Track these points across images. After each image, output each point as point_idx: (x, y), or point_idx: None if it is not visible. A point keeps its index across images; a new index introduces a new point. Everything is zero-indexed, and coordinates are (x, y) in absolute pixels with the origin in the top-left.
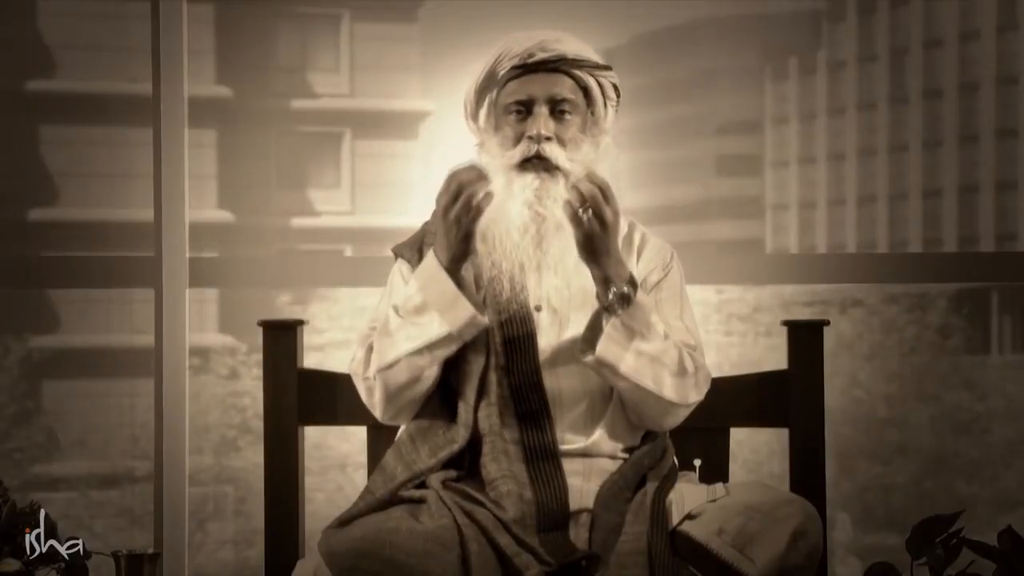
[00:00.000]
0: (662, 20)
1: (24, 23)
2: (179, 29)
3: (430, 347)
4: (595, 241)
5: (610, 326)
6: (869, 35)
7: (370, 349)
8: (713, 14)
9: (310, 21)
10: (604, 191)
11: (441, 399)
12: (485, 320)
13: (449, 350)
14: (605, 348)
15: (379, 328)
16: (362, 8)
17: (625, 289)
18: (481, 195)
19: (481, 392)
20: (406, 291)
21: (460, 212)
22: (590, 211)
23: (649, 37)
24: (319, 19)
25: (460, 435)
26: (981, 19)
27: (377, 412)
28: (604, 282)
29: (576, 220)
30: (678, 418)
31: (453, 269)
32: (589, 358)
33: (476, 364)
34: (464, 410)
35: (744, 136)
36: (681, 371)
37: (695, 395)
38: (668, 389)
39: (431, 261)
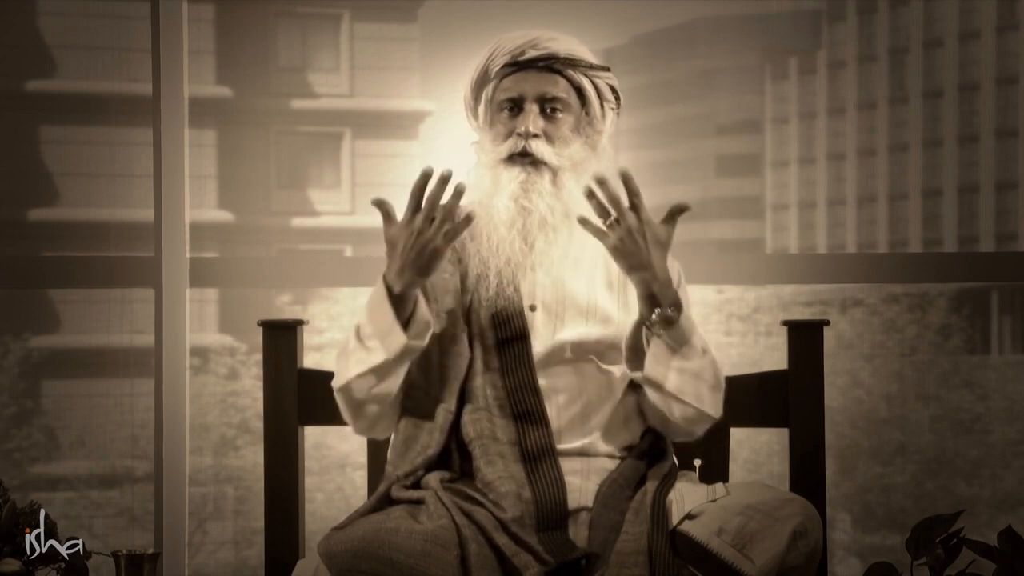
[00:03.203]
0: (662, 20)
1: (24, 23)
2: (179, 29)
3: (374, 371)
4: (627, 251)
5: (654, 345)
6: (869, 35)
7: None
8: (713, 14)
9: (310, 21)
10: (631, 194)
11: (423, 411)
12: (421, 343)
13: (394, 373)
14: (651, 367)
15: (340, 348)
16: (362, 8)
17: (669, 312)
18: (458, 221)
19: (464, 397)
20: (363, 314)
21: (433, 235)
22: (613, 221)
23: (649, 37)
24: (319, 19)
25: (435, 440)
26: (981, 19)
27: (350, 427)
28: (648, 301)
29: (598, 232)
30: (706, 428)
31: (403, 294)
32: (637, 375)
33: (456, 369)
34: (442, 415)
35: (744, 136)
36: (716, 385)
37: (723, 406)
38: (707, 404)
39: (379, 287)
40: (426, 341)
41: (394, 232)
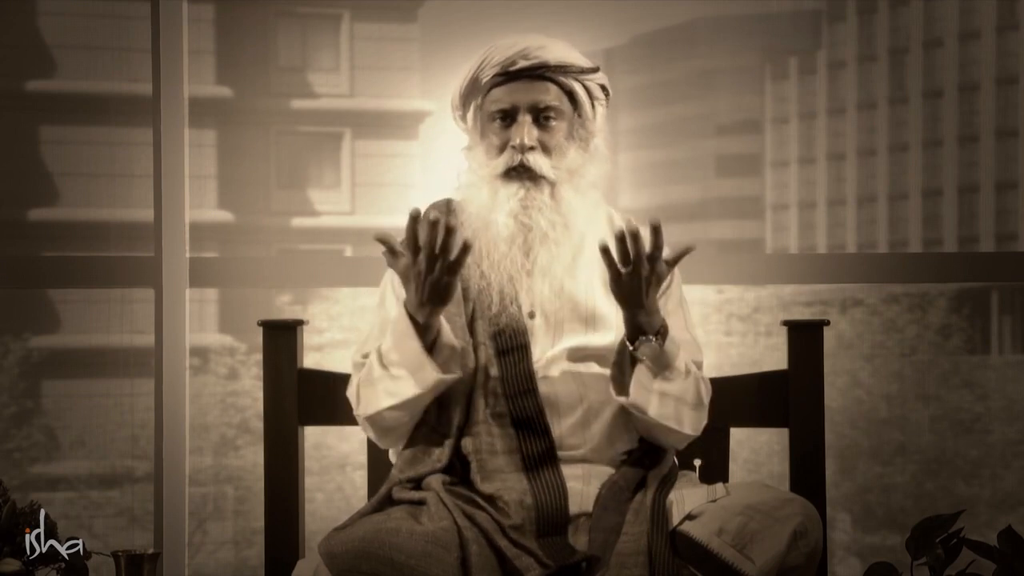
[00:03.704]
0: (662, 20)
1: (24, 23)
2: (179, 29)
3: (406, 404)
4: (627, 293)
5: (638, 371)
6: (869, 35)
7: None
8: (713, 14)
9: (310, 21)
10: (655, 247)
11: (437, 422)
12: (455, 375)
13: (424, 403)
14: (636, 393)
15: (364, 374)
16: (362, 8)
17: (654, 341)
18: (456, 252)
19: (468, 412)
20: (387, 341)
21: (439, 274)
22: (630, 269)
23: (649, 37)
24: (319, 19)
25: (446, 454)
26: (981, 19)
27: (377, 444)
28: (634, 329)
29: (613, 270)
30: (686, 443)
31: (427, 323)
32: (623, 399)
33: (462, 385)
34: (452, 427)
35: (744, 136)
36: (698, 404)
37: (706, 420)
38: (687, 424)
39: (403, 318)
40: (456, 370)
41: (402, 269)
